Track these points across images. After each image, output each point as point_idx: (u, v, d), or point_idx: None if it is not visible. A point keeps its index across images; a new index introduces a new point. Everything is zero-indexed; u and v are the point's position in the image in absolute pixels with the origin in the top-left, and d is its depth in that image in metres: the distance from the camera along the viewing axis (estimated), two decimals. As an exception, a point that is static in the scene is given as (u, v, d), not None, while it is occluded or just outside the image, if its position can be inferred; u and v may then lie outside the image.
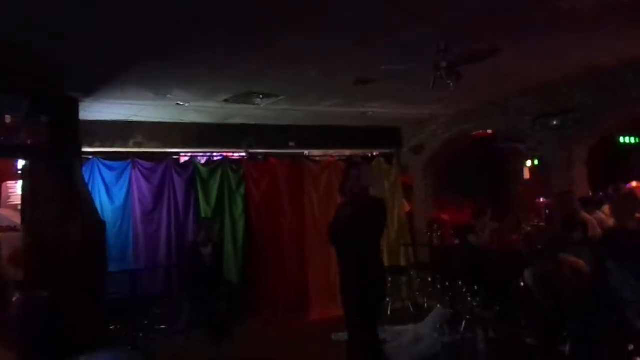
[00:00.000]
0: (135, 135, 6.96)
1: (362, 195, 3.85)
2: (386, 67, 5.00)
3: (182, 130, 7.22)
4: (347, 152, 8.35)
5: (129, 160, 6.94)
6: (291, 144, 7.86)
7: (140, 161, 7.02)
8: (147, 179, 7.00)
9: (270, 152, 7.81)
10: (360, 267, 3.71)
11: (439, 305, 6.45)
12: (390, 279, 7.66)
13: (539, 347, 4.98)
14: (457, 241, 7.18)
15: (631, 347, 3.94)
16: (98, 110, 6.14)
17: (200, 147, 7.48)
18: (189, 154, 7.46)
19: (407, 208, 8.48)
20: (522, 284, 5.37)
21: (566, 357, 4.64)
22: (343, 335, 6.09)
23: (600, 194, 6.78)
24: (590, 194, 6.41)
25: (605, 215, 5.63)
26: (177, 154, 7.40)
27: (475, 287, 6.17)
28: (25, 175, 5.56)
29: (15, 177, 6.79)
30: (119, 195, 6.83)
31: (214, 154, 7.65)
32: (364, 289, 3.69)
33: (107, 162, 6.86)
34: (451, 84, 4.84)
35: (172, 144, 7.23)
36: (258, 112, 6.77)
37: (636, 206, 5.38)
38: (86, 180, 6.11)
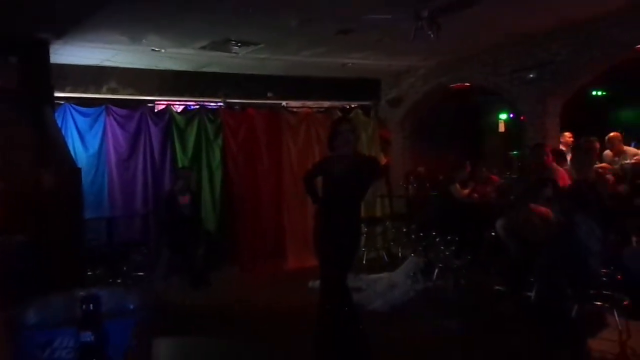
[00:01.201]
0: (109, 81, 6.77)
1: (354, 153, 3.78)
2: (367, 17, 4.92)
3: (157, 77, 7.04)
4: (326, 104, 8.30)
5: (103, 107, 6.77)
6: (269, 94, 7.76)
7: (115, 108, 6.86)
8: (122, 127, 6.87)
9: (248, 102, 7.71)
10: (344, 224, 3.70)
11: (412, 255, 6.64)
12: (366, 229, 7.84)
13: (506, 294, 5.24)
14: (434, 193, 7.33)
15: (592, 292, 4.18)
16: (70, 53, 5.92)
17: (177, 95, 7.32)
18: (165, 102, 7.31)
19: (384, 160, 8.56)
20: (493, 233, 5.58)
21: (532, 302, 4.90)
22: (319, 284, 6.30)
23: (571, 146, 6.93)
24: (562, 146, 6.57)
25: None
26: (153, 101, 7.24)
27: (448, 237, 6.37)
28: (-7, 119, 5.39)
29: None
30: (93, 142, 6.70)
31: (191, 103, 7.52)
32: (343, 244, 3.71)
33: (80, 108, 6.68)
34: (432, 35, 4.82)
35: (148, 92, 7.06)
36: (236, 60, 6.64)
37: (594, 159, 5.61)
38: (59, 126, 5.96)
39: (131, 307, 1.65)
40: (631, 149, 6.51)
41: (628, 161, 6.04)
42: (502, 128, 8.91)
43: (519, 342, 4.15)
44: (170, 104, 7.31)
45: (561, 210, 4.45)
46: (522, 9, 5.22)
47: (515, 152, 7.67)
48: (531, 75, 6.29)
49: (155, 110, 7.26)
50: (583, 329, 4.03)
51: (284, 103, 7.98)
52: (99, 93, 6.74)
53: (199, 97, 7.46)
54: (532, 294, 4.96)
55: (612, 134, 6.52)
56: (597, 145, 5.81)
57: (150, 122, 7.03)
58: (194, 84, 7.30)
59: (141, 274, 6.08)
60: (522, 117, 7.82)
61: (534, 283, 4.95)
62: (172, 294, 5.68)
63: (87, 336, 1.24)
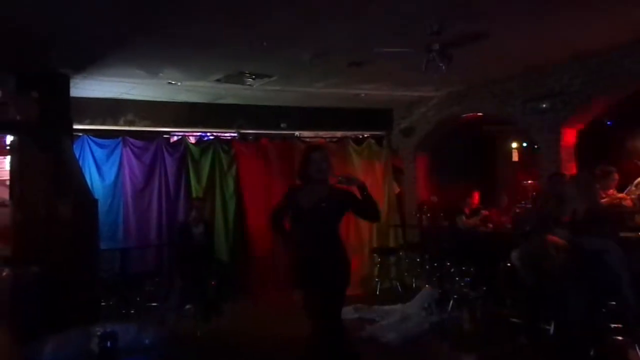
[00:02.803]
0: (126, 113, 6.92)
1: (326, 183, 3.48)
2: (379, 50, 5.01)
3: (173, 109, 7.19)
4: (338, 134, 8.37)
5: (120, 138, 6.91)
6: (282, 124, 7.85)
7: (131, 139, 7.00)
8: (138, 158, 6.99)
9: (262, 133, 7.81)
10: (329, 256, 3.40)
11: (427, 286, 6.56)
12: (379, 259, 7.80)
13: (523, 326, 5.13)
14: (446, 222, 7.28)
15: (613, 325, 4.09)
16: (89, 87, 6.08)
17: (192, 126, 7.45)
18: (180, 134, 7.43)
19: (396, 190, 8.55)
20: (508, 264, 5.50)
21: (550, 335, 4.80)
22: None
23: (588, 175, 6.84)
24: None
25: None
26: (168, 133, 7.37)
27: (463, 268, 6.29)
28: (13, 150, 5.53)
29: (2, 152, 6.74)
30: (110, 173, 6.81)
31: (205, 134, 7.63)
32: (331, 278, 3.39)
33: (98, 140, 6.83)
34: (443, 67, 4.87)
35: (164, 123, 7.20)
36: (250, 92, 6.75)
37: (611, 185, 5.56)
38: (77, 157, 6.08)
39: (146, 342, 1.66)
40: None
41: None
42: (515, 157, 8.87)
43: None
44: (186, 135, 7.43)
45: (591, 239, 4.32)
46: (533, 41, 5.27)
47: (529, 182, 7.61)
48: (544, 106, 6.28)
49: (171, 141, 7.38)
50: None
51: (297, 133, 8.07)
52: (117, 125, 6.89)
53: (213, 128, 7.58)
54: (550, 327, 4.87)
55: None
56: (616, 175, 5.74)
57: (165, 152, 7.14)
58: (209, 115, 7.43)
59: (154, 304, 6.07)
60: (535, 147, 7.80)
61: (551, 315, 4.87)
62: (184, 325, 5.66)
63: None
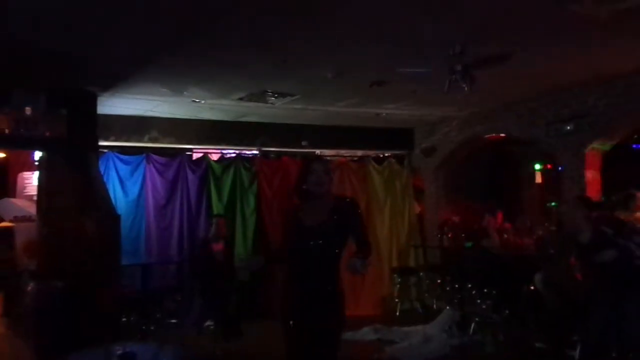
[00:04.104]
0: (151, 131, 7.05)
1: (328, 198, 3.03)
2: (401, 70, 5.03)
3: (196, 126, 7.30)
4: (359, 153, 8.38)
5: (144, 155, 7.02)
6: (304, 143, 7.90)
7: (155, 156, 7.11)
8: (160, 174, 7.09)
9: (283, 151, 7.87)
10: (326, 287, 2.91)
11: (447, 307, 6.45)
12: (399, 279, 7.71)
13: (548, 352, 4.99)
14: (468, 244, 7.19)
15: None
16: (115, 104, 6.23)
17: (214, 144, 7.54)
18: (203, 151, 7.53)
19: (417, 210, 8.49)
20: (532, 287, 5.38)
21: (575, 362, 4.66)
22: (352, 335, 6.17)
23: (613, 198, 6.72)
24: (603, 199, 6.37)
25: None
26: (191, 150, 7.47)
27: (485, 290, 6.18)
28: (41, 166, 5.67)
29: (31, 168, 6.91)
30: (133, 189, 6.92)
31: (227, 151, 7.72)
32: (328, 314, 2.92)
33: (122, 156, 6.95)
34: (465, 87, 4.86)
35: (187, 140, 7.31)
36: (272, 110, 6.83)
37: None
38: (101, 173, 6.20)
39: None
40: None
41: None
42: (538, 179, 8.75)
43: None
44: (208, 152, 7.52)
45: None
46: (557, 62, 5.24)
47: (553, 204, 7.49)
48: (568, 128, 6.22)
49: (193, 158, 7.47)
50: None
51: (318, 152, 8.09)
52: (141, 142, 7.01)
53: (235, 145, 7.66)
54: (575, 353, 4.73)
55: None
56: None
57: (188, 169, 7.23)
58: (231, 132, 7.52)
59: (174, 321, 6.08)
60: (559, 169, 7.68)
61: (577, 341, 4.73)
62: (203, 343, 5.65)
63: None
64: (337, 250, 2.95)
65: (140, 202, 6.93)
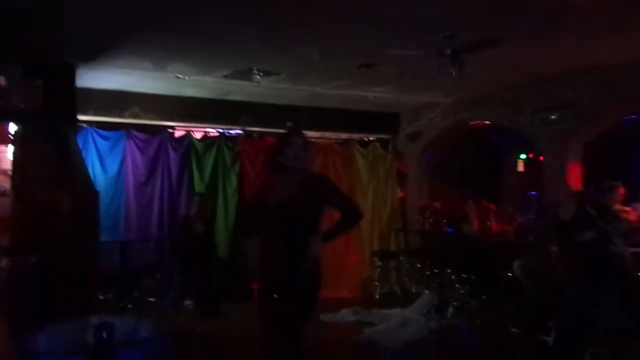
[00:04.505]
0: (132, 106, 6.87)
1: (305, 172, 2.91)
2: (390, 52, 4.97)
3: (179, 103, 7.14)
4: (344, 136, 8.33)
5: (124, 131, 6.87)
6: (288, 124, 7.78)
7: (136, 132, 6.96)
8: (141, 151, 6.96)
9: (267, 131, 7.77)
10: (295, 262, 2.79)
11: (426, 291, 6.52)
12: (380, 263, 7.76)
13: (523, 337, 5.08)
14: (448, 229, 7.23)
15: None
16: (95, 78, 6.04)
17: (197, 122, 7.41)
18: (185, 129, 7.39)
19: (399, 194, 8.51)
20: (510, 274, 5.46)
21: (549, 347, 4.75)
22: (331, 317, 6.20)
23: (592, 189, 6.81)
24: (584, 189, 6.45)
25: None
26: (173, 127, 7.33)
27: (464, 275, 6.25)
28: (16, 139, 5.49)
29: (5, 141, 6.70)
30: (113, 165, 6.78)
31: (210, 130, 7.59)
32: (299, 290, 2.81)
33: (102, 132, 6.79)
34: (454, 72, 4.83)
35: (169, 117, 7.16)
36: (257, 89, 6.71)
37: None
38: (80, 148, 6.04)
39: (144, 336, 1.62)
40: None
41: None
42: (521, 168, 8.81)
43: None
44: (190, 131, 7.39)
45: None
46: (546, 51, 5.23)
47: (534, 193, 7.55)
48: (553, 117, 6.25)
49: (175, 136, 7.34)
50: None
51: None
52: (122, 117, 6.84)
53: (219, 124, 7.54)
54: (549, 338, 4.83)
55: None
56: (622, 190, 5.71)
57: (169, 147, 7.11)
58: (215, 111, 7.39)
59: (152, 299, 6.03)
60: (540, 158, 7.74)
61: (552, 327, 4.82)
62: (183, 321, 5.62)
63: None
64: (305, 227, 2.81)
65: (120, 178, 6.80)
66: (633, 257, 4.18)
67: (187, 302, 6.29)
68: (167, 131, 7.22)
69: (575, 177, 6.32)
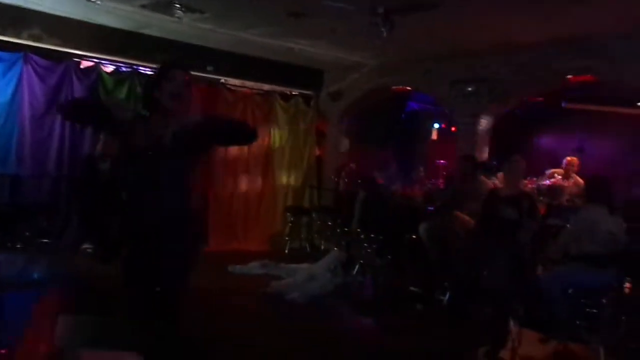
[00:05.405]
0: (32, 26, 6.13)
1: (178, 116, 2.50)
2: (322, 2, 4.82)
3: (89, 31, 6.48)
4: (266, 87, 8.10)
5: (21, 53, 6.13)
6: (209, 67, 7.42)
7: (35, 57, 6.24)
8: (41, 78, 6.27)
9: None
10: (175, 220, 2.48)
11: (335, 249, 6.66)
12: (292, 218, 7.79)
13: (420, 295, 5.39)
14: (361, 190, 7.39)
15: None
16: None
17: (108, 54, 6.79)
18: (94, 60, 6.76)
19: (317, 152, 8.54)
20: (414, 236, 5.72)
21: (444, 305, 5.09)
22: (240, 269, 6.17)
23: (494, 162, 7.27)
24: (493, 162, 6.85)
25: (499, 181, 6.09)
26: (80, 56, 6.67)
27: (372, 235, 6.45)
28: None
29: None
30: (5, 90, 6.04)
31: (122, 65, 7.01)
32: (178, 250, 2.51)
33: (-8, 51, 6.01)
34: (384, 32, 4.81)
35: (76, 45, 6.49)
36: (178, 26, 6.26)
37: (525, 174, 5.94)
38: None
39: (35, 277, 1.45)
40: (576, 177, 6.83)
41: (546, 182, 6.41)
42: (434, 136, 9.18)
43: (430, 341, 4.27)
44: (100, 63, 6.78)
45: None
46: (473, 24, 5.35)
47: (443, 161, 7.92)
48: (469, 89, 6.50)
49: (82, 66, 6.70)
50: (490, 333, 4.19)
51: (223, 80, 7.68)
52: (19, 38, 6.09)
53: (132, 59, 6.97)
54: (445, 297, 5.16)
55: (569, 158, 6.87)
56: (524, 164, 6.14)
57: (74, 78, 6.48)
58: (129, 44, 6.81)
59: (46, 240, 5.60)
60: (452, 128, 8.10)
61: (447, 287, 5.15)
62: (80, 265, 5.29)
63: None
64: (181, 176, 2.50)
65: (14, 106, 6.10)
66: (530, 228, 4.49)
67: (85, 246, 5.93)
68: (73, 60, 6.56)
69: (483, 148, 6.67)
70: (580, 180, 6.55)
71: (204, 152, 2.61)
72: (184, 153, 2.48)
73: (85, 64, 6.73)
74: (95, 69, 6.69)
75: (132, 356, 1.90)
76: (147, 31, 6.70)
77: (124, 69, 6.95)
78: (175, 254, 2.50)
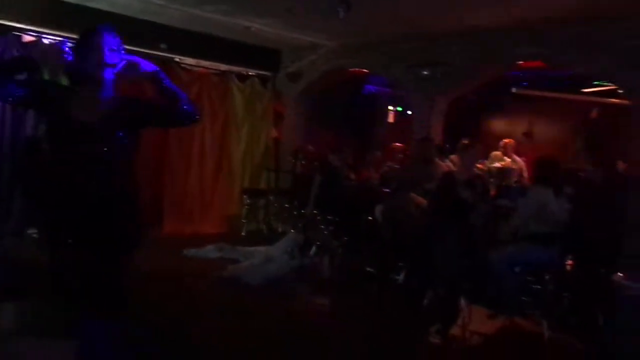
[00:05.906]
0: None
1: (109, 87, 2.35)
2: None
3: (31, 3, 6.11)
4: (222, 67, 7.91)
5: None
6: (162, 45, 7.16)
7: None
8: (-21, 53, 5.88)
9: (136, 51, 7.04)
10: (104, 200, 2.30)
11: (292, 231, 6.66)
12: (249, 200, 7.72)
13: (376, 275, 5.48)
14: (317, 172, 7.40)
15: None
16: None
17: (52, 28, 6.42)
18: (36, 34, 6.38)
19: (274, 134, 8.46)
20: (369, 217, 5.79)
21: (398, 285, 5.20)
22: (195, 252, 6.08)
23: (447, 145, 7.43)
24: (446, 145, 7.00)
25: (452, 163, 6.26)
26: (21, 30, 6.28)
27: (328, 217, 6.48)
28: None
29: None
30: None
31: (67, 39, 6.65)
32: (121, 226, 2.36)
33: None
34: (341, 12, 4.78)
35: (15, 18, 6.09)
36: (129, 1, 6.00)
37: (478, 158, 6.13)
38: None
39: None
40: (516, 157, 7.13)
41: (496, 164, 6.63)
42: (391, 119, 9.27)
43: (384, 319, 4.36)
44: (43, 37, 6.41)
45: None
46: (429, 8, 5.38)
47: (399, 144, 8.02)
48: (425, 72, 6.57)
49: (23, 41, 6.32)
50: (441, 311, 4.32)
51: (177, 58, 7.44)
52: (-48, 8, 5.69)
53: (78, 34, 6.62)
54: (399, 277, 5.27)
55: (506, 140, 7.17)
56: (480, 147, 6.33)
57: (16, 53, 6.11)
58: (74, 18, 6.43)
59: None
60: (408, 111, 8.19)
61: (402, 267, 5.26)
62: (24, 252, 5.06)
63: None
64: (110, 154, 2.28)
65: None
66: (483, 209, 4.64)
67: (30, 231, 5.68)
68: (13, 34, 6.18)
69: (437, 132, 6.79)
70: (519, 159, 6.87)
71: (135, 131, 2.38)
72: (113, 131, 2.28)
73: (27, 38, 6.35)
74: (39, 45, 6.33)
75: (67, 343, 1.83)
76: (93, 4, 6.37)
77: (68, 44, 6.61)
78: (106, 237, 2.30)
